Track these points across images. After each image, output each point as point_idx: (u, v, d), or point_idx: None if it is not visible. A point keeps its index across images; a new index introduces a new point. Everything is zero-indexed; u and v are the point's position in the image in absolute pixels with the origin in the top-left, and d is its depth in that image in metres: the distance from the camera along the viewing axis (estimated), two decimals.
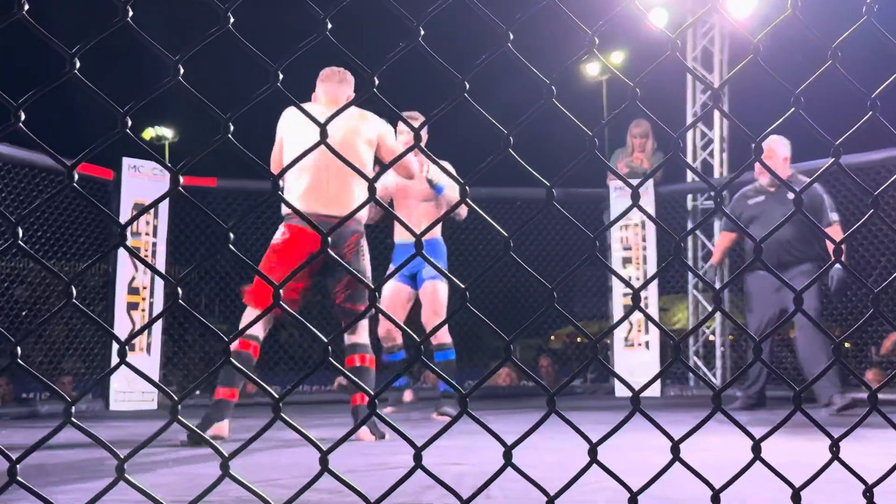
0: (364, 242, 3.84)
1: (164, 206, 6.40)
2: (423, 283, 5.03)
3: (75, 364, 6.64)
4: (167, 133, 19.98)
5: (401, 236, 5.15)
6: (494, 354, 8.86)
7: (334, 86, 3.90)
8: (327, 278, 3.79)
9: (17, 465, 0.94)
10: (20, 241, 0.93)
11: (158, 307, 6.35)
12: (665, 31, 1.22)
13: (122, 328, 6.19)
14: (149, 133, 19.15)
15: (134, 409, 6.09)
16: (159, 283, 6.38)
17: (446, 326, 4.90)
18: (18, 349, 0.95)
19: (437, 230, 5.08)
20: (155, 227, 6.43)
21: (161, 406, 6.28)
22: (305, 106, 3.95)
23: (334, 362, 1.05)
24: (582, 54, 1.07)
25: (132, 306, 6.23)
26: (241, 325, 3.62)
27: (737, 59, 7.89)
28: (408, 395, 5.71)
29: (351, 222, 3.72)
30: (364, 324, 3.86)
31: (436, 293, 4.98)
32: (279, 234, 3.77)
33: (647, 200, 7.13)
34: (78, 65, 0.96)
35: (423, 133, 4.87)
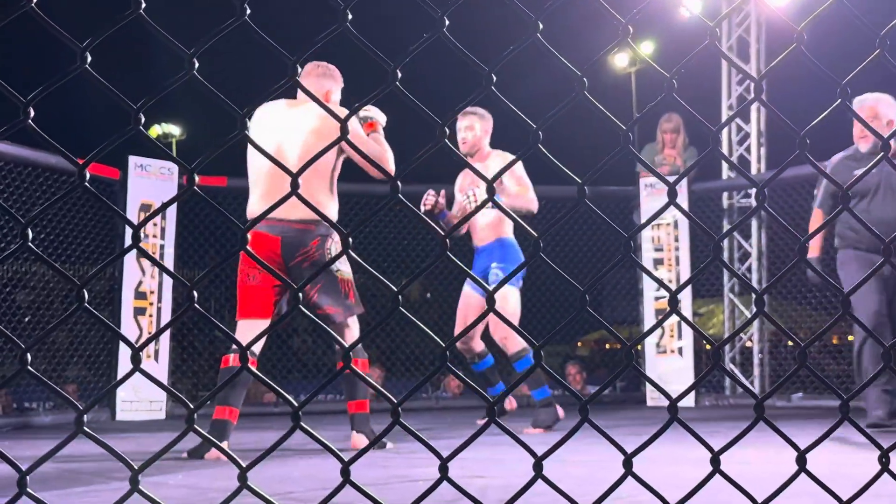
0: (331, 245, 3.81)
1: (171, 208, 6.45)
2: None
3: (80, 372, 6.69)
4: (174, 131, 20.11)
5: (476, 240, 5.06)
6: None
7: (312, 80, 3.91)
8: (296, 282, 3.81)
9: (27, 476, 0.95)
10: (30, 244, 0.94)
11: (166, 312, 6.39)
12: (702, 18, 1.22)
13: (129, 334, 6.22)
14: (155, 131, 19.28)
15: (141, 420, 6.13)
16: (167, 288, 6.42)
17: (513, 335, 4.69)
18: (28, 356, 0.96)
19: (507, 229, 4.93)
20: (163, 229, 6.48)
21: (169, 416, 6.31)
22: (271, 104, 3.98)
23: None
24: (615, 44, 1.07)
25: (139, 311, 6.27)
26: (241, 340, 3.65)
27: (774, 48, 7.85)
28: (509, 404, 5.64)
29: (311, 225, 3.74)
30: (354, 328, 3.89)
31: (503, 299, 4.74)
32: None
33: (681, 199, 7.09)
34: (89, 59, 0.97)
35: (489, 126, 4.85)
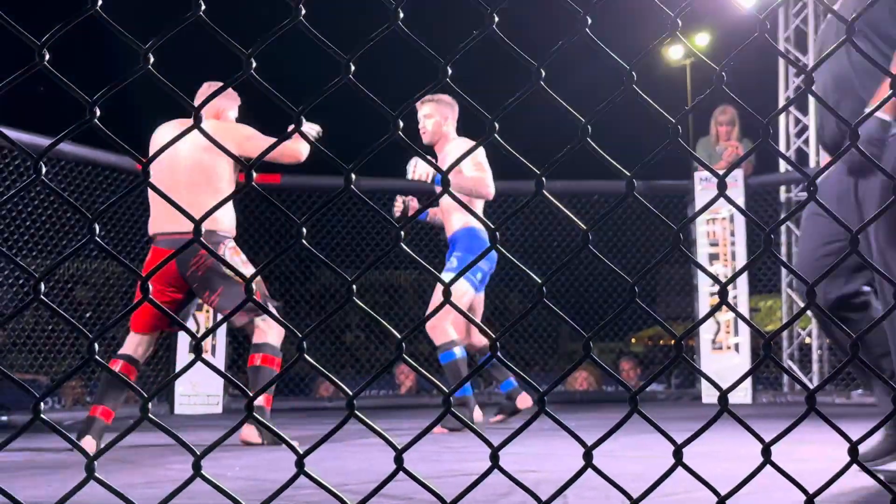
0: (224, 251, 4.01)
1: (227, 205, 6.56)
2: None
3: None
4: None
5: (447, 230, 4.97)
6: (570, 359, 8.83)
7: (219, 99, 4.16)
8: (198, 293, 4.03)
9: (95, 462, 0.99)
10: (97, 238, 0.99)
11: None
12: (753, 10, 1.22)
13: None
14: None
15: (199, 413, 6.26)
16: None
17: (444, 326, 4.61)
18: (95, 346, 1.00)
19: (466, 219, 4.76)
20: None
21: (226, 410, 6.44)
22: (167, 124, 4.16)
23: (408, 360, 1.08)
24: (663, 38, 1.09)
25: (197, 307, 6.40)
26: (123, 349, 4.01)
27: None
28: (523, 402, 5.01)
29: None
30: (268, 326, 4.05)
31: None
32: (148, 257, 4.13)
33: (736, 192, 7.01)
34: (152, 60, 1.01)
35: (452, 112, 4.79)
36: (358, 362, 8.05)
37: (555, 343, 8.36)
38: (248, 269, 4.06)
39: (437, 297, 4.70)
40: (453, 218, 4.78)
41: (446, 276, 4.53)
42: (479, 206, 4.78)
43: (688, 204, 7.41)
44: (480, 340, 4.93)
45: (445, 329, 4.61)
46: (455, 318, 4.66)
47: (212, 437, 1.04)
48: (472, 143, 4.55)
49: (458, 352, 4.62)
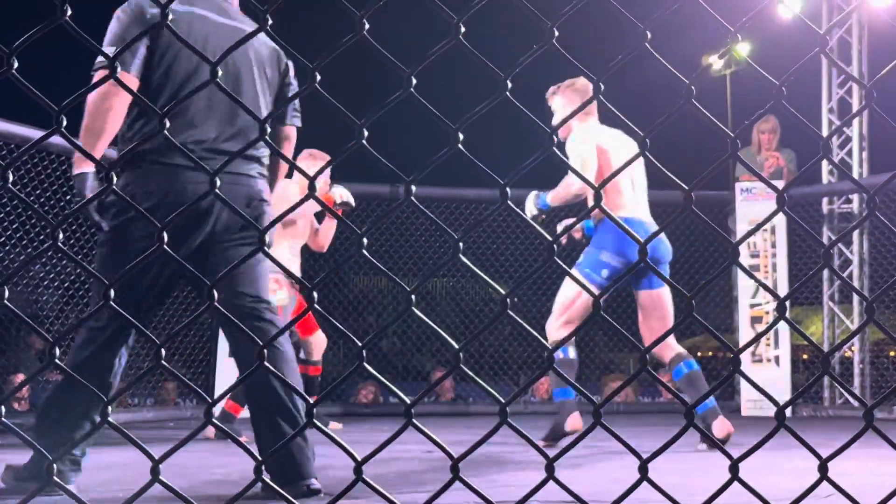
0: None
1: None
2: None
3: (179, 370, 6.93)
4: None
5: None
6: (606, 368, 8.79)
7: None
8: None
9: (160, 465, 1.01)
10: (165, 247, 1.01)
11: None
12: (809, 24, 1.22)
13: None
14: None
15: (243, 417, 6.31)
16: None
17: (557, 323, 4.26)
18: (163, 351, 1.03)
19: (599, 213, 4.26)
20: None
21: None
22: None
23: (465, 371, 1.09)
24: (725, 51, 1.09)
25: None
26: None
27: (876, 50, 7.60)
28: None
29: None
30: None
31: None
32: None
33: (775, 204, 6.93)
34: (220, 73, 1.03)
35: (574, 101, 4.24)
36: (395, 369, 8.07)
37: (591, 353, 8.31)
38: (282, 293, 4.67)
39: (565, 289, 4.29)
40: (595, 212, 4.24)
41: (574, 271, 4.07)
42: (619, 197, 4.26)
43: (728, 214, 7.35)
44: (670, 351, 4.23)
45: (559, 326, 4.22)
46: (571, 317, 4.21)
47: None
48: (591, 133, 4.27)
49: (571, 352, 4.27)
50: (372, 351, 8.04)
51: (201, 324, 6.77)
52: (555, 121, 4.30)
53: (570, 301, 4.22)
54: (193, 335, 6.70)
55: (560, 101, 4.37)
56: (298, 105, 2.96)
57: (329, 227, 5.26)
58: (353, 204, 4.99)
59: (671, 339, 4.28)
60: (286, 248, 4.87)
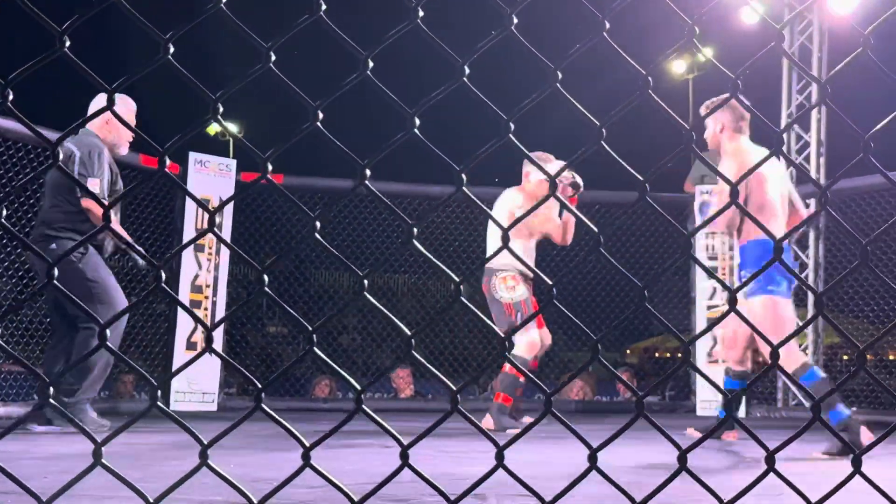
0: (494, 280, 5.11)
1: (229, 204, 6.57)
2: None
3: (136, 362, 6.84)
4: (231, 127, 20.40)
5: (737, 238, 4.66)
6: (566, 367, 8.83)
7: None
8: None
9: (102, 448, 0.99)
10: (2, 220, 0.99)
11: (221, 306, 6.51)
12: (767, 20, 1.22)
13: (184, 327, 6.36)
14: (213, 129, 19.57)
15: (194, 411, 6.25)
16: (223, 282, 6.55)
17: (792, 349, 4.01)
18: (109, 331, 1.00)
19: (752, 229, 4.39)
20: (220, 224, 6.60)
21: (221, 408, 6.44)
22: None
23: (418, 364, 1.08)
24: (680, 44, 1.09)
25: (195, 304, 6.40)
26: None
27: (836, 57, 7.72)
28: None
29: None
30: (519, 340, 5.04)
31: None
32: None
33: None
34: (172, 50, 1.01)
35: (727, 117, 4.30)
36: (355, 364, 8.04)
37: (549, 351, 8.33)
38: (510, 294, 5.13)
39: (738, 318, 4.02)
40: (742, 228, 4.43)
41: (742, 295, 3.98)
42: (766, 216, 4.32)
43: (687, 217, 7.42)
44: (743, 363, 4.36)
45: (795, 352, 4.05)
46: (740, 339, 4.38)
47: (208, 435, 1.04)
48: (743, 154, 4.27)
49: (819, 371, 3.98)
50: (331, 346, 8.01)
51: (159, 315, 6.70)
52: (706, 135, 4.48)
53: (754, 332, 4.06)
54: (150, 328, 6.62)
55: (711, 118, 4.40)
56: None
57: (570, 220, 5.45)
58: (581, 184, 5.33)
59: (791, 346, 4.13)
60: (520, 246, 5.24)
